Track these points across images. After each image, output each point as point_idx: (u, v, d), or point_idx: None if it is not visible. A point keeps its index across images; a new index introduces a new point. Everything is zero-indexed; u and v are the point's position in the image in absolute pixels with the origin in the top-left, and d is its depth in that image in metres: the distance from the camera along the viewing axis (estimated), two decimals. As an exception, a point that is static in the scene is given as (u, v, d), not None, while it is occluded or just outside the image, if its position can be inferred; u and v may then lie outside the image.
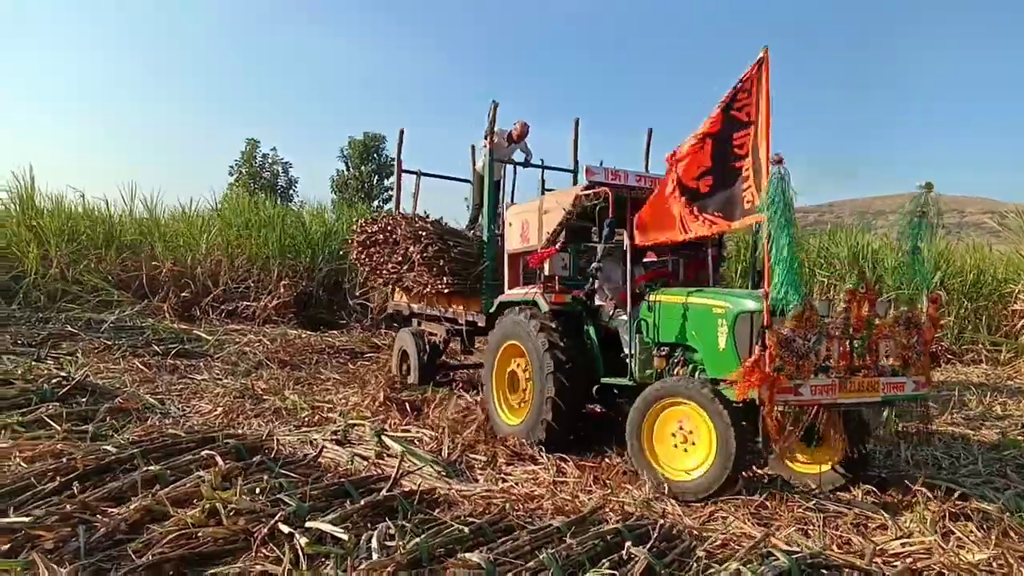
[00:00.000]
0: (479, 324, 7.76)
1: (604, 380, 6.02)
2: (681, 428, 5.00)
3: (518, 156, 9.52)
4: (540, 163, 9.82)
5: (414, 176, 10.16)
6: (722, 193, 4.97)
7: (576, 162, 10.00)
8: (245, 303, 13.84)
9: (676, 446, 5.04)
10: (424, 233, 8.19)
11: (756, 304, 4.84)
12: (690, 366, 5.42)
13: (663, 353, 5.52)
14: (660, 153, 10.38)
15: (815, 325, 4.47)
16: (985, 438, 6.08)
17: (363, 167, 37.42)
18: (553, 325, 5.98)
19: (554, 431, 5.85)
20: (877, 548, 3.91)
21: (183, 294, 13.58)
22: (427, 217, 8.67)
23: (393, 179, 34.94)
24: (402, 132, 10.07)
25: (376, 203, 35.57)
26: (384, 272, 9.15)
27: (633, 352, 5.71)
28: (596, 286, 6.12)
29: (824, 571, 3.36)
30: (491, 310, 7.01)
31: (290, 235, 15.20)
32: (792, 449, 5.19)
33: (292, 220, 16.07)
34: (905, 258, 5.20)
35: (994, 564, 3.85)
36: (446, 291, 8.06)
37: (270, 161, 39.27)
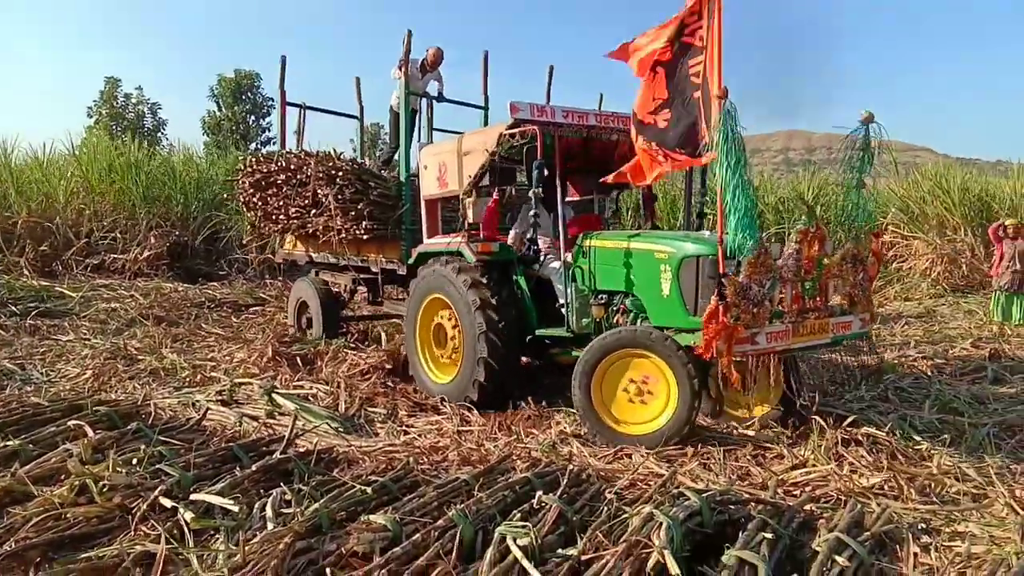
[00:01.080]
0: (399, 272, 7.18)
1: (539, 332, 5.73)
2: (638, 380, 4.74)
3: (433, 88, 8.86)
4: (451, 98, 9.13)
5: (298, 111, 9.40)
6: (683, 126, 4.59)
7: (487, 98, 9.48)
8: (113, 256, 12.81)
9: (631, 400, 4.78)
10: (340, 173, 7.35)
11: (701, 248, 4.65)
12: (631, 314, 5.17)
13: (601, 301, 5.27)
14: (563, 92, 10.14)
15: (769, 269, 4.30)
16: (864, 363, 6.36)
17: (236, 107, 35.12)
18: (484, 280, 5.58)
19: (487, 391, 5.54)
20: (779, 479, 4.00)
21: (42, 247, 12.37)
22: (340, 155, 7.89)
23: (271, 119, 33.11)
24: (284, 59, 9.09)
25: (254, 145, 33.65)
26: (282, 218, 8.23)
27: (569, 301, 5.45)
28: (536, 234, 5.60)
29: (732, 506, 3.38)
30: (410, 261, 6.50)
31: (159, 180, 14.07)
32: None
33: (159, 164, 14.85)
34: (851, 194, 5.03)
35: (886, 487, 4.04)
36: (364, 237, 7.28)
37: (134, 101, 36.31)
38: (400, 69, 7.86)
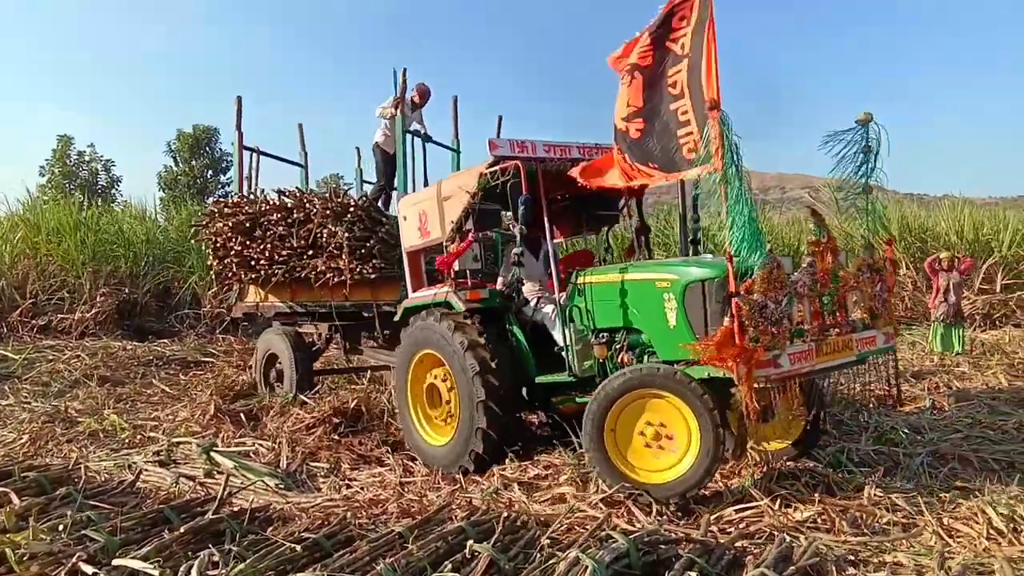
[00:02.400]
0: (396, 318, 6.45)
1: (539, 380, 5.31)
2: (654, 424, 4.34)
3: (419, 127, 8.67)
4: (430, 138, 8.89)
5: (251, 155, 9.21)
6: (656, 139, 4.31)
7: (458, 141, 9.43)
8: (60, 316, 12.57)
9: (648, 445, 4.37)
10: (351, 210, 7.07)
11: (706, 271, 4.31)
12: (636, 350, 4.82)
13: (603, 340, 4.90)
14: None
15: (784, 285, 3.98)
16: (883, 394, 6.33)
17: (194, 162, 35.02)
18: (469, 322, 5.26)
19: (491, 439, 5.09)
20: (712, 517, 4.03)
21: (-15, 310, 12.11)
22: (347, 192, 7.73)
23: (231, 173, 33.06)
24: (240, 100, 8.89)
25: (211, 200, 33.46)
26: (263, 263, 7.73)
27: (568, 344, 5.09)
28: (521, 275, 5.37)
29: (663, 546, 3.40)
30: (396, 318, 6.14)
31: (108, 238, 13.91)
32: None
33: (108, 222, 14.71)
34: (856, 200, 4.68)
35: (819, 520, 4.09)
36: (372, 276, 6.95)
37: (87, 159, 36.02)
38: (395, 107, 7.79)
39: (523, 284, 5.47)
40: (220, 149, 35.71)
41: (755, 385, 3.85)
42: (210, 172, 36.03)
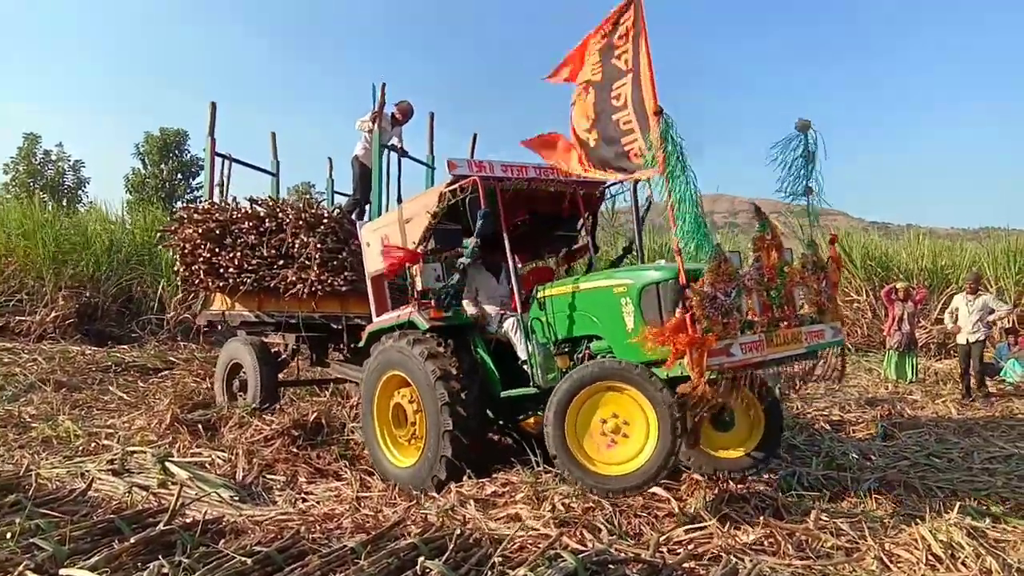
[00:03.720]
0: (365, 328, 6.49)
1: (504, 394, 5.38)
2: (617, 417, 4.47)
3: (397, 142, 8.68)
4: (406, 153, 8.94)
5: (222, 162, 9.05)
6: (606, 148, 4.57)
7: (433, 158, 9.46)
8: (19, 318, 12.33)
9: (605, 434, 4.51)
10: (324, 221, 7.06)
11: (660, 274, 4.49)
12: (597, 356, 4.93)
13: (565, 350, 5.07)
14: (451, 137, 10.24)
15: (733, 278, 4.13)
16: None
17: (163, 165, 34.52)
18: (440, 349, 5.30)
19: (456, 468, 5.15)
20: (662, 537, 4.10)
21: (-62, 311, 11.84)
22: (320, 203, 7.69)
23: (201, 178, 32.70)
24: (214, 106, 8.74)
25: (180, 204, 33.02)
26: (231, 271, 7.64)
27: (532, 356, 5.21)
28: (462, 284, 5.45)
29: (612, 566, 3.46)
30: (361, 343, 6.17)
31: (70, 240, 13.68)
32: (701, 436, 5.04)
33: (71, 224, 14.48)
34: (799, 199, 4.81)
35: (766, 542, 4.18)
36: (343, 289, 6.94)
37: (54, 158, 35.33)
38: (372, 120, 7.80)
39: (459, 293, 5.52)
40: (189, 152, 35.29)
41: (709, 374, 3.98)
42: (179, 176, 35.55)
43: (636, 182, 5.54)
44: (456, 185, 5.27)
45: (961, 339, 9.68)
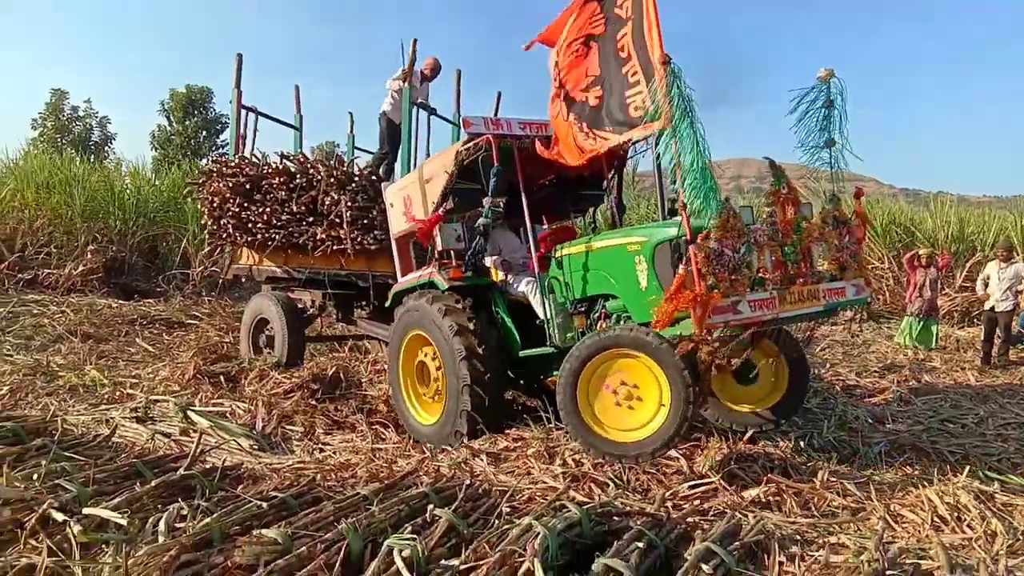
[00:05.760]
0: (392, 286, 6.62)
1: (522, 353, 5.40)
2: (627, 384, 4.38)
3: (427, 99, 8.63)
4: (434, 110, 8.90)
5: (247, 115, 8.95)
6: (612, 103, 4.39)
7: (459, 114, 9.39)
8: (47, 271, 12.58)
9: (619, 404, 4.41)
10: (356, 180, 7.08)
11: (673, 231, 4.31)
12: (613, 316, 4.90)
13: (582, 310, 5.02)
14: (473, 98, 10.26)
15: (742, 233, 4.02)
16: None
17: (187, 122, 34.66)
18: (459, 306, 5.33)
19: (476, 422, 5.21)
20: (668, 492, 4.17)
21: (-29, 262, 12.09)
22: (346, 161, 7.70)
23: (225, 136, 32.78)
24: (240, 58, 8.67)
25: (205, 161, 33.23)
26: (260, 227, 7.68)
27: (549, 316, 5.17)
28: (483, 246, 5.42)
29: (616, 518, 3.52)
30: (387, 304, 6.25)
31: (98, 195, 13.88)
32: (724, 386, 5.13)
33: (99, 179, 14.67)
34: (820, 153, 4.64)
35: (771, 500, 4.22)
36: (373, 248, 6.98)
37: (82, 114, 35.61)
38: (403, 79, 7.75)
39: (485, 254, 5.51)
40: (215, 110, 35.36)
41: (715, 330, 3.91)
42: (204, 133, 35.70)
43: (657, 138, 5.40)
44: (471, 143, 5.23)
45: (988, 306, 9.56)
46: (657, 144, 5.58)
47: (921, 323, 10.23)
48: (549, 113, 4.95)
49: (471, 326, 5.24)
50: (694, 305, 3.84)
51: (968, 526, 3.95)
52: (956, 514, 4.05)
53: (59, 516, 3.43)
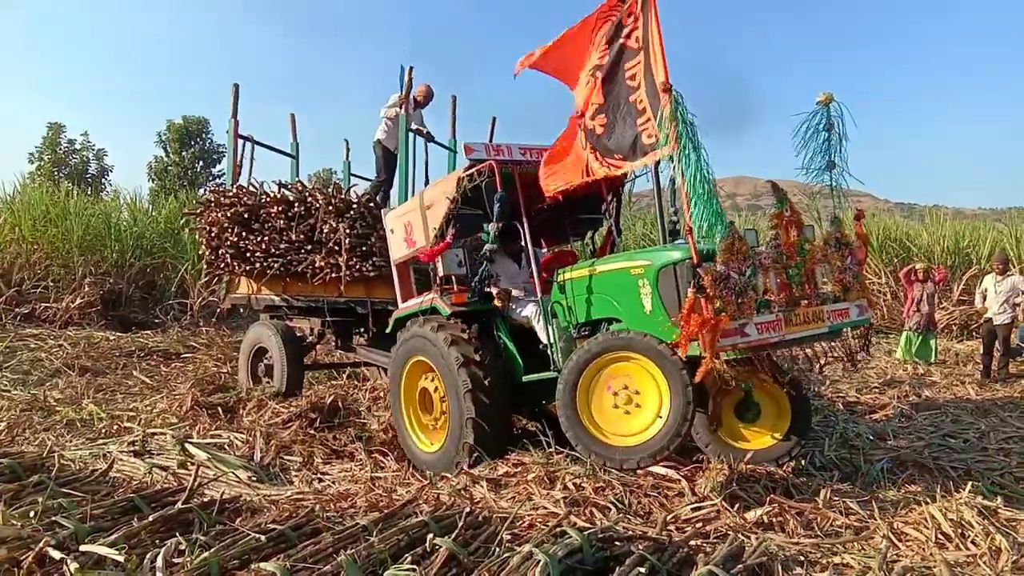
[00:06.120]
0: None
1: (526, 379, 5.36)
2: (625, 388, 4.42)
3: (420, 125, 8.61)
4: (431, 137, 8.85)
5: (244, 144, 8.98)
6: (619, 131, 4.48)
7: (455, 140, 9.46)
8: (45, 305, 12.59)
9: (617, 407, 4.45)
10: (355, 207, 7.11)
11: (677, 254, 4.37)
12: None
13: (585, 333, 5.01)
14: (468, 122, 10.33)
15: (747, 257, 4.06)
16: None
17: (184, 152, 34.88)
18: (464, 336, 5.29)
19: (479, 455, 5.19)
20: (670, 516, 4.14)
21: (-32, 298, 12.10)
22: (344, 189, 7.77)
23: (222, 166, 32.91)
24: (236, 88, 8.72)
25: (202, 192, 33.35)
26: (258, 255, 7.66)
27: (553, 340, 5.18)
28: (490, 272, 5.43)
29: (617, 543, 3.50)
30: (388, 329, 6.24)
31: (95, 228, 13.91)
32: (723, 420, 5.13)
33: (96, 212, 14.72)
34: (822, 176, 4.73)
35: (774, 521, 4.19)
36: (371, 275, 7.01)
37: (78, 147, 35.83)
38: (400, 105, 7.83)
39: (493, 280, 5.51)
40: (211, 140, 35.59)
41: (723, 355, 3.93)
42: (200, 164, 35.90)
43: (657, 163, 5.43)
44: (473, 170, 5.24)
45: (986, 319, 9.56)
46: (656, 169, 5.67)
47: (920, 337, 10.24)
48: (566, 137, 4.96)
49: (477, 357, 5.20)
50: (703, 329, 3.87)
51: (972, 542, 3.92)
52: (960, 531, 4.02)
53: (56, 554, 3.39)
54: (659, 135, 4.13)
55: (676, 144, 3.98)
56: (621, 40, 4.49)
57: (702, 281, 3.93)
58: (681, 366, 4.13)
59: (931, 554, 3.79)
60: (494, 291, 5.55)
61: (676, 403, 4.17)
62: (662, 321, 4.34)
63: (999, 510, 4.30)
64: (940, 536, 4.00)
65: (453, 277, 5.56)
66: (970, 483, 4.69)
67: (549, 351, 5.24)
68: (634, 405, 4.41)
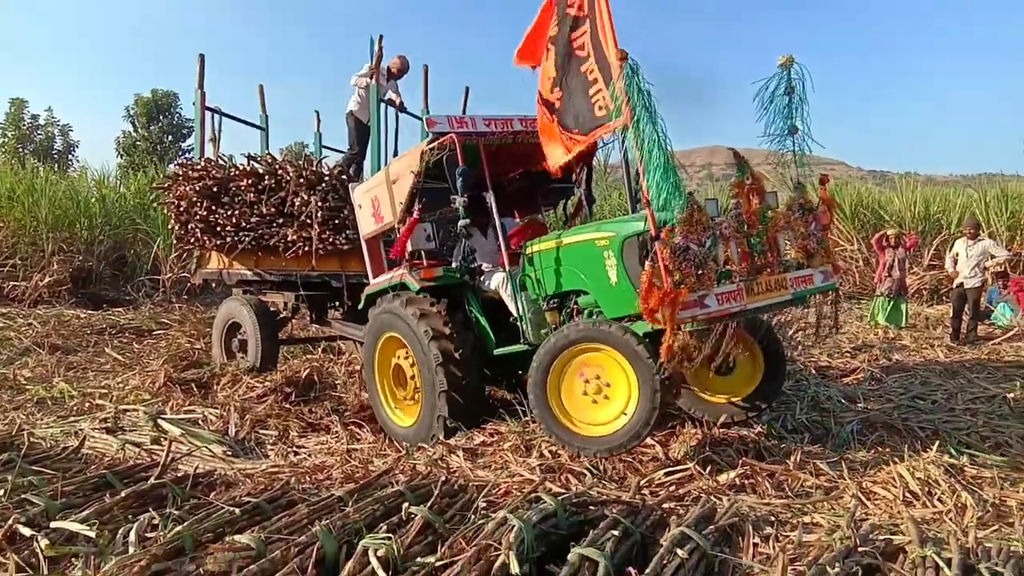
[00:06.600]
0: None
1: (497, 352, 5.38)
2: (598, 378, 4.41)
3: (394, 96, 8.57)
4: (404, 108, 8.79)
5: (212, 117, 8.80)
6: (573, 103, 4.41)
7: (427, 111, 9.32)
8: (13, 283, 12.36)
9: (587, 394, 4.46)
10: (327, 180, 6.99)
11: (642, 225, 4.27)
12: (584, 312, 4.88)
13: (554, 306, 5.02)
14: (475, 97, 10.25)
15: (707, 227, 4.00)
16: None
17: (152, 127, 34.17)
18: (434, 309, 5.27)
19: (453, 427, 5.21)
20: (643, 480, 4.19)
21: (-69, 278, 11.86)
22: (315, 161, 7.62)
23: (191, 140, 32.38)
24: (202, 58, 8.46)
25: (171, 167, 32.74)
26: (229, 230, 7.53)
27: (522, 314, 5.17)
28: (471, 248, 5.38)
29: (591, 507, 3.53)
30: (360, 306, 6.19)
31: (63, 205, 13.63)
32: (700, 378, 5.11)
33: (64, 188, 14.42)
34: (784, 141, 4.61)
35: (746, 484, 4.26)
36: (345, 247, 6.91)
37: (43, 122, 34.99)
38: (370, 76, 7.71)
39: (474, 255, 5.48)
40: (180, 114, 34.90)
41: (684, 326, 3.89)
42: (169, 138, 35.21)
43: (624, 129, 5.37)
44: (436, 143, 5.16)
45: (957, 283, 9.71)
46: (624, 138, 5.63)
47: (891, 302, 10.39)
48: (538, 118, 4.88)
49: (447, 331, 5.19)
50: (662, 302, 3.84)
51: (939, 500, 4.02)
52: (927, 489, 4.12)
53: (26, 531, 3.35)
54: (612, 105, 4.06)
55: (630, 114, 3.91)
56: (566, 9, 4.41)
57: (660, 254, 3.89)
58: (655, 371, 4.07)
59: (899, 512, 3.87)
60: (486, 267, 5.55)
61: (642, 405, 4.16)
62: (628, 293, 4.32)
63: (965, 468, 4.41)
64: (908, 494, 4.10)
65: (423, 252, 5.53)
66: (937, 443, 4.79)
67: (519, 324, 5.23)
68: (603, 396, 4.42)
